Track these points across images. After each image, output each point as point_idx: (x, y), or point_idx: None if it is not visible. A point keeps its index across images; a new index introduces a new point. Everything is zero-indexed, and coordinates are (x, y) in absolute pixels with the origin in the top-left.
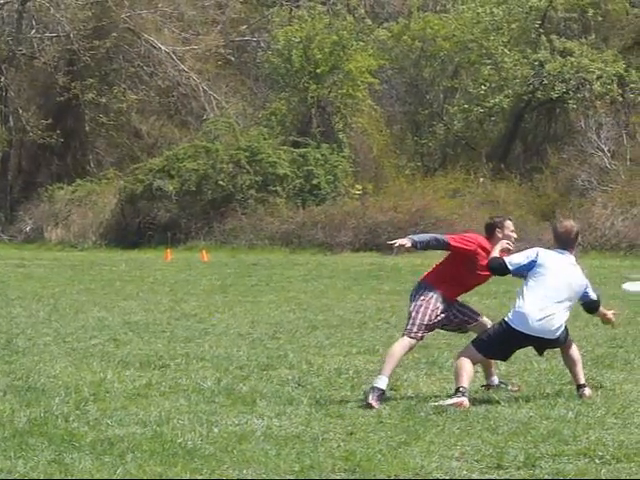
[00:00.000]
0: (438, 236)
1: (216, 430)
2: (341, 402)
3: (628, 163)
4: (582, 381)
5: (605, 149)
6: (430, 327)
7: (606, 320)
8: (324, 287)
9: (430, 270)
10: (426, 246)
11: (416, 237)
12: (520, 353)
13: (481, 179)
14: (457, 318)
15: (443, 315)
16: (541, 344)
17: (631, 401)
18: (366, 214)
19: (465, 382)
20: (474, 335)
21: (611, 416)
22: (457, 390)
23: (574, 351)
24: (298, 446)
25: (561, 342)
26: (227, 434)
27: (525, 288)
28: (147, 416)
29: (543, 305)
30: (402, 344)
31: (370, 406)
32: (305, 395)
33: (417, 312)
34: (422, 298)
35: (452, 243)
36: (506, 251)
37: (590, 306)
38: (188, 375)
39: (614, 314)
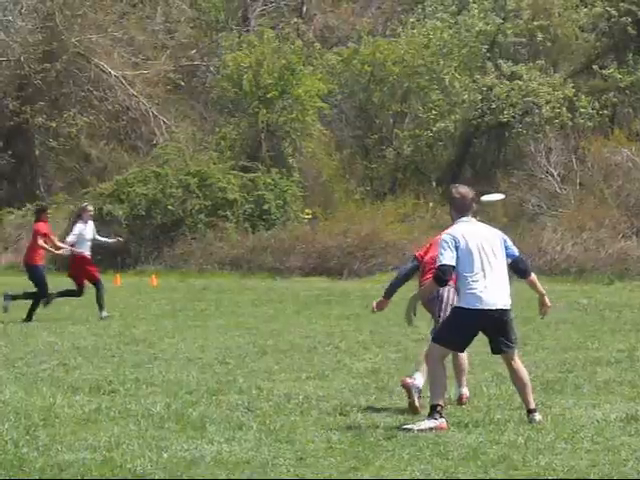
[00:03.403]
0: None
1: (166, 455)
2: (291, 427)
3: (578, 187)
4: (532, 406)
5: (555, 173)
6: None
7: (542, 302)
8: (273, 312)
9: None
10: None
11: None
12: (470, 379)
13: (430, 204)
14: None
15: None
16: (496, 320)
17: (581, 426)
18: (315, 239)
19: (441, 398)
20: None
21: (561, 441)
22: (434, 410)
23: (522, 373)
24: (248, 471)
25: (512, 328)
26: (177, 459)
27: (462, 271)
28: (97, 441)
29: (484, 276)
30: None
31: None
32: (255, 420)
33: None
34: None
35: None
36: None
37: (520, 267)
38: (137, 400)
39: (547, 307)
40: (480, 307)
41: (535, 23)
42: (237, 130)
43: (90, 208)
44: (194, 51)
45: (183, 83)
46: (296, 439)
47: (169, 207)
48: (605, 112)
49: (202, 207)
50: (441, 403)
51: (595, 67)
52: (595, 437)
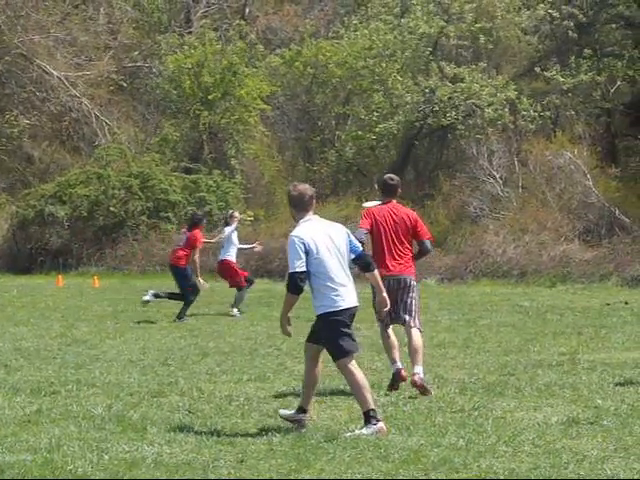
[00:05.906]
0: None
1: (106, 457)
2: (232, 429)
3: (520, 190)
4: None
5: (497, 176)
6: None
7: (380, 300)
8: (215, 313)
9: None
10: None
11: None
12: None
13: None
14: None
15: None
16: (352, 318)
17: (522, 429)
18: (257, 240)
19: (371, 402)
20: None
21: (502, 444)
22: (368, 416)
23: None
24: (188, 473)
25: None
26: (117, 461)
27: (315, 279)
28: (37, 443)
29: (338, 276)
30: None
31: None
32: (196, 422)
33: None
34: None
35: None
36: None
37: (364, 262)
38: (79, 402)
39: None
40: (345, 306)
41: (478, 25)
42: (179, 132)
43: (237, 214)
44: (137, 52)
45: (126, 84)
46: (237, 441)
47: (111, 208)
48: (547, 114)
49: (144, 208)
50: (372, 407)
51: (537, 70)
52: (536, 440)
